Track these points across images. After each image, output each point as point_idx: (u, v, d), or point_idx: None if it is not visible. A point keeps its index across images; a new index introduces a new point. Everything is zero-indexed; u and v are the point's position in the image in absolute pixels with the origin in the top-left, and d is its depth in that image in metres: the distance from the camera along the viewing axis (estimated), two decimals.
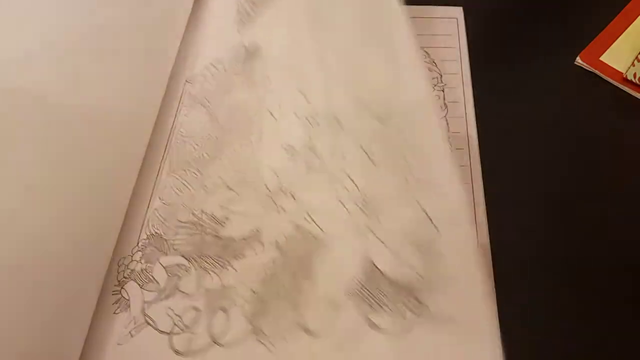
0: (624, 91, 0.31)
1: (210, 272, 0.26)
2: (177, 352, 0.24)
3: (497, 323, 0.23)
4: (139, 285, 0.26)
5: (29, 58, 0.25)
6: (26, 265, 0.21)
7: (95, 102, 0.26)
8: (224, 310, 0.25)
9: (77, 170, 0.24)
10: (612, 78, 0.32)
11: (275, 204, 0.27)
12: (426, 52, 0.33)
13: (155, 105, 0.30)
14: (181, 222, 0.27)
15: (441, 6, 0.35)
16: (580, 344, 0.24)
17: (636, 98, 0.31)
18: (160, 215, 0.28)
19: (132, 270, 0.26)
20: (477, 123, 0.30)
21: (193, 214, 0.27)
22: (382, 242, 0.25)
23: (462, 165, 0.28)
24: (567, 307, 0.24)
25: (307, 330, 0.24)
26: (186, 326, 0.24)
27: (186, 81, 0.33)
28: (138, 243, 0.27)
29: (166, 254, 0.26)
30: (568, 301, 0.25)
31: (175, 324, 0.24)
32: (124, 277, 0.26)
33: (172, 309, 0.25)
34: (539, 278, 0.25)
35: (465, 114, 0.30)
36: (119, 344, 0.24)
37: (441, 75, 0.32)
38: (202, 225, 0.27)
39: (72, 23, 0.27)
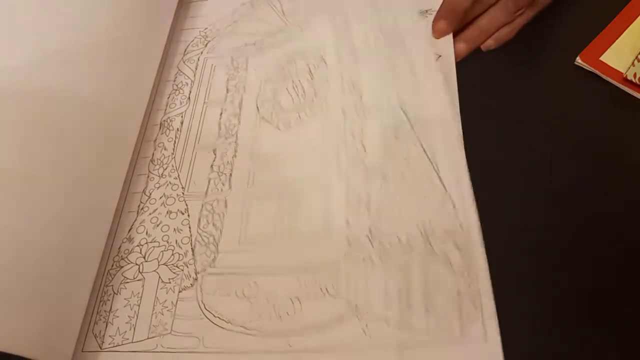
0: (624, 91, 0.31)
1: None
2: None
3: None
4: None
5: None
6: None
7: (89, 96, 0.27)
8: None
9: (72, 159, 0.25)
10: (612, 78, 0.31)
11: None
12: None
13: (144, 100, 0.31)
14: None
15: None
16: (579, 343, 0.23)
17: (636, 98, 0.31)
18: None
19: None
20: (474, 123, 0.30)
21: None
22: None
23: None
24: (561, 305, 0.24)
25: None
26: None
27: None
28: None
29: None
30: (562, 300, 0.24)
31: None
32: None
33: None
34: (533, 277, 0.25)
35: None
36: None
37: None
38: None
39: (67, 25, 0.28)
